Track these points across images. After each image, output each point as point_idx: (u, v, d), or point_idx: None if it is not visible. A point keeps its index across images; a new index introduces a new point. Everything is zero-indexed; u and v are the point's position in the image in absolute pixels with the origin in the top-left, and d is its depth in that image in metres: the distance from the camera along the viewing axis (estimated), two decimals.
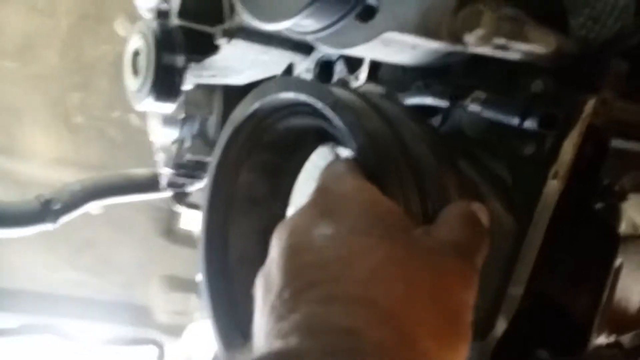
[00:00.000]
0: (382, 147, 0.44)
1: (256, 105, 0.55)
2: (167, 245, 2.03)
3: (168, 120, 1.09)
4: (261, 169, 0.62)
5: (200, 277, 0.63)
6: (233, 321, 0.58)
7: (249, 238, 0.63)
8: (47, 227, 1.12)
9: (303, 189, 0.73)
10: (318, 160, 0.72)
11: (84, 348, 1.75)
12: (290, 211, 0.74)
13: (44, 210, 1.10)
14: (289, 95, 0.51)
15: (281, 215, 0.65)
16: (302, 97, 0.49)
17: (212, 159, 0.62)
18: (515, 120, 0.51)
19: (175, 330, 1.99)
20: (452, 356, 0.35)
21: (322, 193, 0.40)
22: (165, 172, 1.14)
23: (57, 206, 1.12)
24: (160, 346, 1.74)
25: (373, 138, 0.43)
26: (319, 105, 0.47)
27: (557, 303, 0.58)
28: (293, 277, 0.33)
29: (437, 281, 0.35)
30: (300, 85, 0.49)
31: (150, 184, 1.23)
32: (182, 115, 1.07)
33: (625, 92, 0.57)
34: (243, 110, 0.57)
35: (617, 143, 0.56)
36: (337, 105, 0.45)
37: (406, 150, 0.45)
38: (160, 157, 1.16)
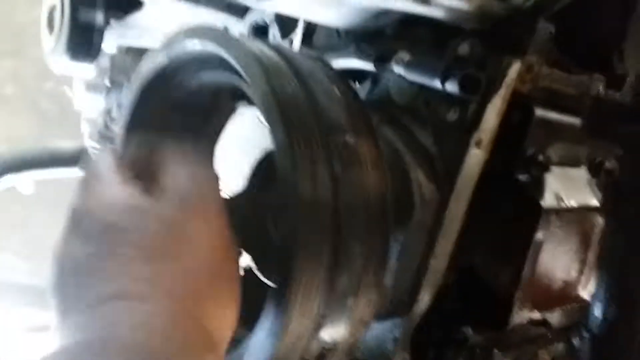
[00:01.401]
0: (288, 104, 0.40)
1: (163, 58, 0.50)
2: None
3: (93, 87, 1.01)
4: (174, 132, 0.56)
5: None
6: None
7: None
8: None
9: (227, 157, 0.68)
10: (243, 124, 0.68)
11: (11, 335, 1.64)
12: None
13: None
14: (195, 46, 0.46)
15: None
16: (209, 46, 0.44)
17: (119, 124, 0.56)
18: (437, 83, 0.48)
19: None
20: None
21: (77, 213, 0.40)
22: (91, 146, 1.06)
23: None
24: None
25: (279, 93, 0.39)
26: (224, 54, 0.42)
27: (481, 278, 0.56)
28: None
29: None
30: (206, 33, 0.45)
31: (75, 159, 1.14)
32: (108, 82, 0.99)
33: (553, 59, 0.55)
34: (149, 64, 0.51)
35: (542, 112, 0.54)
36: (241, 54, 0.40)
37: (316, 109, 0.41)
38: (85, 128, 1.08)
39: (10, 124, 2.00)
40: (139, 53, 0.99)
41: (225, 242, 0.39)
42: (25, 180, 1.38)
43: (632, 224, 0.42)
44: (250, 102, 0.52)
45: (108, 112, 1.02)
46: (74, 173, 1.17)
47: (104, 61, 1.00)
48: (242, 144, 0.71)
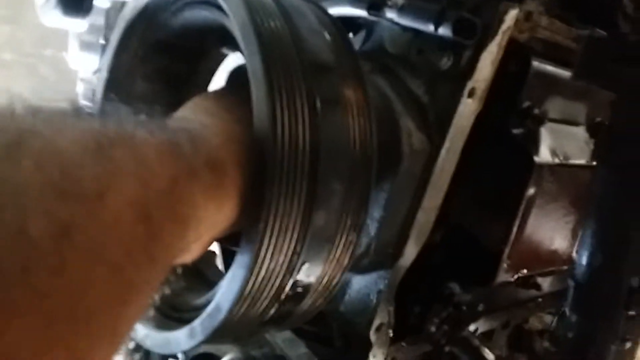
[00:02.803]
0: (270, 36, 0.38)
1: None
2: None
3: (87, 46, 0.99)
4: (161, 78, 0.55)
5: None
6: None
7: None
8: None
9: None
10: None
11: None
12: None
13: None
14: None
15: None
16: None
17: (102, 67, 0.55)
18: (430, 27, 0.47)
19: None
20: None
21: None
22: (85, 105, 1.05)
23: None
24: None
25: (260, 25, 0.37)
26: None
27: (469, 232, 0.55)
28: None
29: None
30: None
31: None
32: (102, 41, 0.97)
33: (555, 12, 0.53)
34: (133, 4, 0.50)
35: (540, 64, 0.53)
36: None
37: (300, 46, 0.40)
38: (80, 88, 1.07)
39: (8, 90, 1.99)
40: None
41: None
42: None
43: (623, 170, 0.41)
44: (236, 46, 0.50)
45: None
46: None
47: (98, 19, 0.98)
48: None
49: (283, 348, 0.55)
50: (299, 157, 0.36)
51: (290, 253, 0.36)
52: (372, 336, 0.53)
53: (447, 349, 0.53)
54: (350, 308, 0.54)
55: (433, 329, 0.53)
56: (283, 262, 0.36)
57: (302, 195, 0.35)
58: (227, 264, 0.66)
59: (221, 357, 0.58)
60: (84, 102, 1.06)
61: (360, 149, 0.40)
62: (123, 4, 0.93)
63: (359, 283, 0.54)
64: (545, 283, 0.67)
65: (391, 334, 0.54)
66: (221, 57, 0.58)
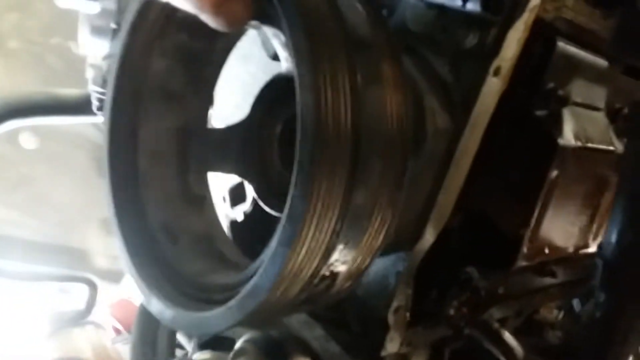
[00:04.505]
0: (312, 11, 0.37)
1: None
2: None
3: (97, 31, 0.98)
4: (177, 55, 0.54)
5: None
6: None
7: (162, 137, 0.56)
8: None
9: (230, 84, 0.66)
10: (248, 48, 0.66)
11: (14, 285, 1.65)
12: (215, 110, 0.67)
13: None
14: None
15: (202, 113, 0.58)
16: None
17: (117, 42, 0.54)
18: (457, 2, 0.46)
19: (114, 276, 1.91)
20: None
21: None
22: (95, 92, 1.04)
23: None
24: (93, 286, 1.66)
25: (307, 10, 0.37)
26: None
27: (489, 216, 0.54)
28: None
29: None
30: None
31: (80, 106, 1.12)
32: (114, 26, 0.96)
33: None
34: None
35: (565, 45, 0.52)
36: None
37: (342, 23, 0.39)
38: (90, 74, 1.06)
39: (15, 78, 1.98)
40: None
41: None
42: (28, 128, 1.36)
43: None
44: (266, 19, 0.49)
45: (113, 57, 1.00)
46: (78, 121, 1.16)
47: (109, 3, 0.97)
48: (244, 79, 0.69)
49: (299, 330, 0.54)
50: (342, 135, 0.35)
51: (330, 232, 0.35)
52: (390, 318, 0.52)
53: (466, 332, 0.53)
54: (368, 290, 0.54)
55: (452, 312, 0.52)
56: (323, 240, 0.35)
57: (344, 172, 0.35)
58: (238, 238, 0.65)
59: (235, 339, 0.57)
60: (93, 88, 1.06)
61: (398, 126, 0.39)
62: None
63: (377, 265, 0.53)
64: (560, 271, 0.66)
65: (408, 317, 0.53)
66: (237, 36, 0.57)
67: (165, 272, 0.48)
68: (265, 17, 0.43)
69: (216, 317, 0.38)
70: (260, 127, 0.53)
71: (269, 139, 0.53)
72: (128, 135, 0.55)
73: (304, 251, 0.35)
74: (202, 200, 0.56)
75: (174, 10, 0.51)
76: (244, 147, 0.53)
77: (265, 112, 0.53)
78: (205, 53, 0.55)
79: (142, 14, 0.51)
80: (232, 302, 0.37)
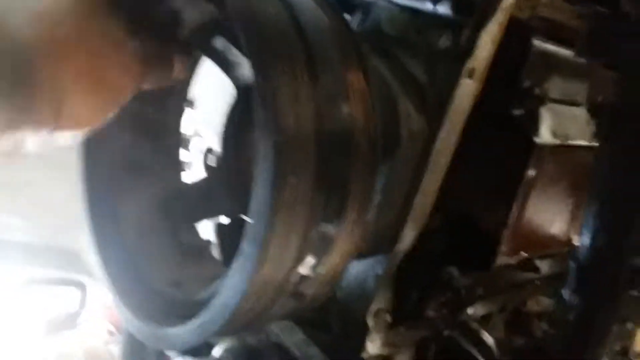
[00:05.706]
0: (268, 22, 0.36)
1: None
2: None
3: None
4: (136, 125, 0.52)
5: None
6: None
7: (144, 211, 0.54)
8: None
9: (213, 88, 0.64)
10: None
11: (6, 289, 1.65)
12: (200, 115, 0.64)
13: None
14: None
15: (176, 177, 0.56)
16: None
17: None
18: (428, 5, 0.45)
19: None
20: None
21: None
22: None
23: None
24: (85, 289, 1.66)
25: (261, 21, 0.36)
26: None
27: (468, 216, 0.54)
28: None
29: None
30: None
31: None
32: None
33: None
34: None
35: (541, 43, 0.51)
36: None
37: (301, 34, 0.38)
38: None
39: None
40: None
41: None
42: None
43: (627, 149, 0.40)
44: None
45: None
46: None
47: None
48: (225, 82, 0.67)
49: (280, 335, 0.54)
50: (305, 148, 0.34)
51: (298, 244, 0.35)
52: (370, 321, 0.52)
53: (446, 333, 0.53)
54: (348, 293, 0.54)
55: (432, 313, 0.53)
56: (291, 253, 0.35)
57: (309, 186, 0.34)
58: (225, 253, 0.64)
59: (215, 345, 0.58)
60: None
61: (364, 136, 0.39)
62: None
63: (356, 268, 0.53)
64: (544, 265, 0.67)
65: (389, 319, 0.54)
66: (185, 87, 0.55)
67: (138, 279, 0.48)
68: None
69: (184, 333, 0.38)
70: (236, 156, 0.51)
71: (248, 169, 0.52)
72: (109, 214, 0.53)
73: (270, 264, 0.35)
74: (197, 249, 0.54)
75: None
76: (227, 187, 0.51)
77: (237, 135, 0.52)
78: (159, 114, 0.53)
79: None
80: (200, 318, 0.36)
